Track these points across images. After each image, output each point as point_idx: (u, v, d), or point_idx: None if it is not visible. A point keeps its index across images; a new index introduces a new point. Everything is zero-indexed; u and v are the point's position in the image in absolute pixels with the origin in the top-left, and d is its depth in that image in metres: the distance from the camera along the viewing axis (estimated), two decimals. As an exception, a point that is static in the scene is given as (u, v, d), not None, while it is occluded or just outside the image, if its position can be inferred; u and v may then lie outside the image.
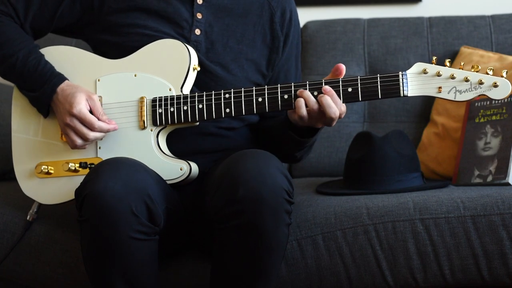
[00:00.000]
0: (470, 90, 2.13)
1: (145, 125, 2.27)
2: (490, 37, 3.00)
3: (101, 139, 2.28)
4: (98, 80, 2.31)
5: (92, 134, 2.24)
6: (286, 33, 2.43)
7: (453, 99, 2.13)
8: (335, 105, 2.15)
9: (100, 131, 2.25)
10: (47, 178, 2.32)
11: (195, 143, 2.34)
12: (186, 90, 2.28)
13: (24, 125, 2.35)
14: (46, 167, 2.30)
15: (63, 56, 2.35)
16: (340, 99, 2.17)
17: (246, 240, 2.06)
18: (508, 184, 2.53)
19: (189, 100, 2.25)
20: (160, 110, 2.26)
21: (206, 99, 2.24)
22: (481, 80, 2.12)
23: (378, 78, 2.16)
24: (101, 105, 2.28)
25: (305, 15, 3.11)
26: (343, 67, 2.18)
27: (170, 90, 2.27)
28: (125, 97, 2.29)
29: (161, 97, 2.26)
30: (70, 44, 2.83)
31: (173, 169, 2.24)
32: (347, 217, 2.33)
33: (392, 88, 2.15)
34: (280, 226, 2.07)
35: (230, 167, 2.08)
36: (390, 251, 2.30)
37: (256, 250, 2.07)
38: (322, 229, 2.33)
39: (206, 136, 2.34)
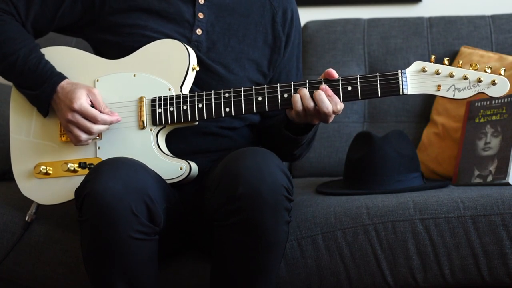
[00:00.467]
0: (468, 88, 2.13)
1: (145, 125, 2.27)
2: (490, 37, 3.00)
3: (100, 138, 2.27)
4: (97, 80, 2.31)
5: (96, 127, 2.24)
6: (287, 33, 2.44)
7: (452, 97, 2.13)
8: (328, 101, 2.15)
9: (104, 123, 2.25)
10: (46, 179, 2.31)
11: (196, 143, 2.34)
12: (186, 89, 2.28)
13: (23, 125, 2.35)
14: (45, 167, 2.30)
15: (63, 56, 2.35)
16: (340, 98, 2.17)
17: (246, 238, 2.06)
18: (508, 184, 2.53)
19: (188, 99, 2.25)
20: (159, 110, 2.26)
21: (205, 99, 2.24)
22: (479, 78, 2.12)
23: (378, 76, 2.17)
24: None
25: (305, 15, 3.11)
26: (334, 73, 2.19)
27: (169, 90, 2.27)
28: (124, 97, 2.29)
29: (161, 97, 2.27)
30: (70, 43, 2.85)
31: (173, 168, 2.24)
32: (347, 217, 2.33)
33: (392, 86, 2.16)
34: (279, 223, 2.07)
35: (230, 164, 2.09)
36: (390, 251, 2.30)
37: (255, 248, 2.07)
38: (322, 229, 2.33)
39: (207, 135, 2.35)
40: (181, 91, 2.27)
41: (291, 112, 2.21)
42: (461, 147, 2.70)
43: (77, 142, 2.26)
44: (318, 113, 2.17)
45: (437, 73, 2.14)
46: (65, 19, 2.38)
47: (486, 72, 2.13)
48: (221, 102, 2.23)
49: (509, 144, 2.57)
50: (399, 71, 2.16)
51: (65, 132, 2.30)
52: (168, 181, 2.24)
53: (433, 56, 2.16)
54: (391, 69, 2.99)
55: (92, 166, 2.24)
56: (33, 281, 2.43)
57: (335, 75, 2.18)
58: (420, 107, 2.99)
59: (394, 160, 2.54)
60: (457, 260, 2.29)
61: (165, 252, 2.25)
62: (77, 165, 2.28)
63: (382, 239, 2.30)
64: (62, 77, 2.30)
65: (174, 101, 2.25)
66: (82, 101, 2.24)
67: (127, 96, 2.29)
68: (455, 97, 2.14)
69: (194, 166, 2.26)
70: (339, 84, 2.18)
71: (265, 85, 2.22)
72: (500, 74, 2.12)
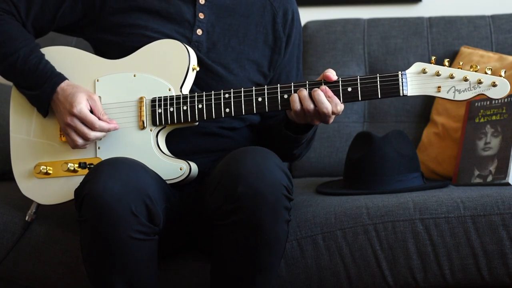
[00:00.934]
0: (469, 89, 2.13)
1: (145, 125, 2.27)
2: (490, 37, 3.00)
3: (101, 139, 2.28)
4: (97, 80, 2.31)
5: (93, 134, 2.24)
6: (288, 34, 2.43)
7: (452, 98, 2.13)
8: (327, 101, 2.15)
9: (101, 130, 2.25)
10: (46, 179, 2.31)
11: (196, 143, 2.34)
12: (186, 90, 2.28)
13: (23, 125, 2.35)
14: (45, 167, 2.30)
15: (63, 56, 2.35)
16: (340, 98, 2.17)
17: (246, 237, 2.06)
18: (508, 184, 2.53)
19: (188, 100, 2.25)
20: (159, 110, 2.26)
21: (205, 99, 2.24)
22: (480, 80, 2.12)
23: (378, 77, 2.17)
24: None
25: (305, 15, 3.11)
26: (332, 76, 2.18)
27: (169, 90, 2.27)
28: (124, 97, 2.29)
29: (161, 97, 2.26)
30: (70, 43, 2.84)
31: (173, 169, 2.24)
32: (347, 217, 2.33)
33: (392, 87, 2.16)
34: (279, 222, 2.07)
35: (229, 164, 2.09)
36: (390, 251, 2.30)
37: (255, 247, 2.07)
38: (322, 229, 2.33)
39: (207, 136, 2.35)
40: (181, 91, 2.27)
41: (290, 113, 2.21)
42: (461, 147, 2.70)
43: (73, 146, 2.27)
44: (318, 114, 2.17)
45: (437, 74, 2.14)
46: (66, 19, 2.38)
47: (486, 73, 2.13)
48: (221, 102, 2.23)
49: (509, 144, 2.57)
50: (399, 72, 2.16)
51: (64, 133, 2.31)
52: (168, 181, 2.24)
53: (433, 57, 2.16)
54: (391, 69, 2.99)
55: (92, 166, 2.24)
56: (33, 281, 2.43)
57: (333, 78, 2.18)
58: (420, 107, 2.99)
59: (394, 160, 2.54)
60: (457, 260, 2.29)
61: (165, 252, 2.26)
62: (77, 165, 2.28)
63: (382, 239, 2.30)
64: (62, 77, 2.30)
65: (174, 101, 2.25)
66: (82, 106, 2.24)
67: (127, 96, 2.29)
68: (455, 99, 2.14)
69: (194, 166, 2.26)
70: (339, 85, 2.18)
71: (265, 86, 2.22)
72: (501, 76, 2.12)
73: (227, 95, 2.23)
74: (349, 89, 2.18)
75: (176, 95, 2.26)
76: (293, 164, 3.01)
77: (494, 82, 2.12)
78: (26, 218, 2.39)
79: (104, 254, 2.07)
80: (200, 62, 2.32)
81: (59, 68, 2.32)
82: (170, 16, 2.35)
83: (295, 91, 2.19)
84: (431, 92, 2.15)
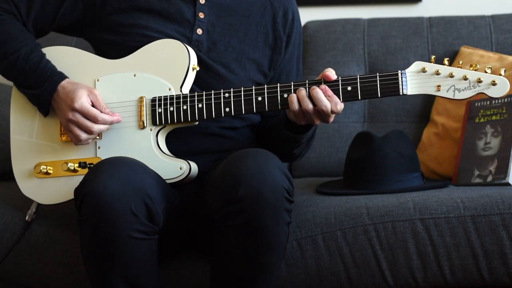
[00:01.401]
0: (468, 88, 2.13)
1: (145, 125, 2.27)
2: (490, 37, 3.00)
3: (100, 137, 2.27)
4: (97, 80, 2.31)
5: (96, 127, 2.24)
6: (288, 34, 2.44)
7: (452, 97, 2.13)
8: (325, 99, 2.15)
9: (104, 123, 2.25)
10: (46, 178, 2.31)
11: (197, 143, 2.34)
12: (186, 89, 2.28)
13: (23, 125, 2.35)
14: (45, 167, 2.30)
15: (63, 56, 2.35)
16: (340, 98, 2.17)
17: (246, 239, 2.06)
18: (508, 184, 2.53)
19: (188, 99, 2.25)
20: (159, 110, 2.26)
21: (205, 99, 2.24)
22: (479, 79, 2.12)
23: (378, 77, 2.17)
24: None
25: (305, 15, 3.11)
26: (331, 75, 2.18)
27: (169, 89, 2.27)
28: (125, 97, 2.29)
29: (161, 96, 2.27)
30: (70, 43, 2.85)
31: (173, 168, 2.24)
32: (347, 217, 2.33)
33: (392, 86, 2.16)
34: (280, 224, 2.07)
35: (230, 166, 2.08)
36: (390, 251, 2.30)
37: (256, 249, 2.07)
38: (322, 229, 2.33)
39: (208, 136, 2.35)
40: (181, 91, 2.27)
41: (290, 113, 2.21)
42: (461, 147, 2.70)
43: (77, 141, 2.26)
44: (318, 113, 2.17)
45: (437, 73, 2.14)
46: (66, 18, 2.38)
47: (486, 72, 2.13)
48: (221, 102, 2.23)
49: (509, 144, 2.57)
50: (399, 71, 2.16)
51: (65, 132, 2.30)
52: (168, 181, 2.24)
53: (433, 57, 2.16)
54: (391, 69, 2.99)
55: (92, 165, 2.24)
56: (33, 281, 2.43)
57: (333, 77, 2.18)
58: (420, 107, 2.99)
59: (394, 160, 2.54)
60: (457, 260, 2.29)
61: (165, 252, 2.26)
62: (77, 165, 2.28)
63: (382, 239, 2.30)
64: (62, 76, 2.30)
65: (174, 101, 2.25)
66: (83, 100, 2.24)
67: (127, 96, 2.29)
68: (455, 98, 2.14)
69: (194, 166, 2.26)
70: (339, 84, 2.18)
71: (265, 85, 2.22)
72: (500, 75, 2.12)
73: (227, 95, 2.24)
74: (349, 88, 2.18)
75: (176, 95, 2.26)
76: (293, 164, 3.01)
77: (494, 81, 2.12)
78: (26, 218, 2.39)
79: (104, 253, 2.07)
80: (200, 61, 2.33)
81: (59, 68, 2.32)
82: (171, 16, 2.35)
83: (295, 91, 2.19)
84: (430, 91, 2.15)
